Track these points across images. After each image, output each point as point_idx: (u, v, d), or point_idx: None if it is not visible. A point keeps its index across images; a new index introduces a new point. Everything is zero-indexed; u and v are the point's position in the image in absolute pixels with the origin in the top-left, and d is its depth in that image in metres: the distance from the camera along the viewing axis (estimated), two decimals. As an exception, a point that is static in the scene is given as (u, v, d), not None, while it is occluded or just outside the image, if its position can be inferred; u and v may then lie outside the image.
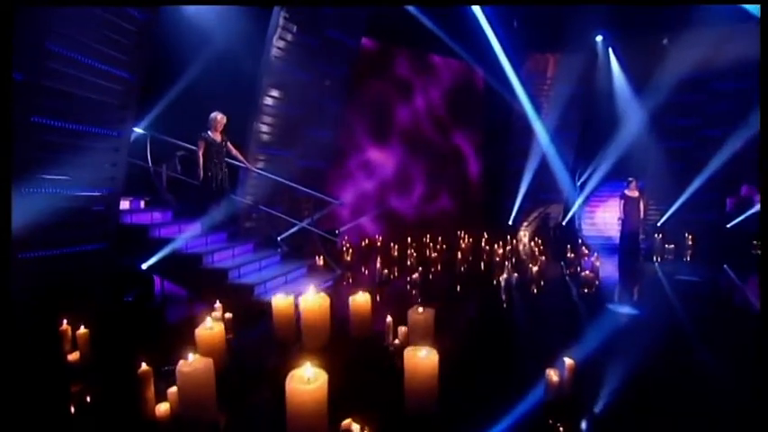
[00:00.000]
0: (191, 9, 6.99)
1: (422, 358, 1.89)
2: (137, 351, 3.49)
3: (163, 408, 2.59)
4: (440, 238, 10.00)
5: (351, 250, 8.81)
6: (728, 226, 10.18)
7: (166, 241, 5.40)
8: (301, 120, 7.61)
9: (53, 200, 4.02)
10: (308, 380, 1.57)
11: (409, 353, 1.91)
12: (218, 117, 6.04)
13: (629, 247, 8.72)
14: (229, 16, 7.07)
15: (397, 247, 8.99)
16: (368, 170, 10.57)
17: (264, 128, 7.21)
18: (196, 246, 5.71)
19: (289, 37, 7.11)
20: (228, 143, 6.21)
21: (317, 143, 8.02)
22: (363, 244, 9.69)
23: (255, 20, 6.97)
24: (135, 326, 4.68)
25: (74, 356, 3.34)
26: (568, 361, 2.77)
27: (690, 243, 9.88)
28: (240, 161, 6.50)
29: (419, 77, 11.29)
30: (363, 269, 7.89)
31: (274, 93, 7.21)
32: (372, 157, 10.64)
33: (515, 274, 6.35)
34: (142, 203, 6.43)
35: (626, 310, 5.32)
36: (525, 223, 12.27)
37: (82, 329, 3.41)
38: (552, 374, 2.76)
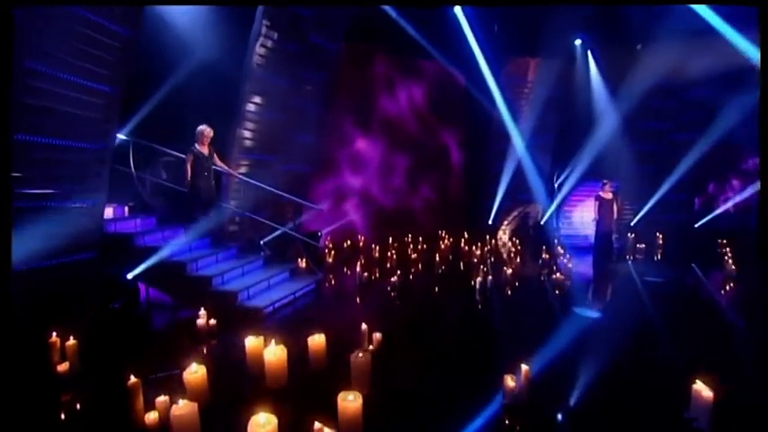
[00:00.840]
0: (173, 16, 7.04)
1: (349, 402, 2.43)
2: (125, 360, 3.68)
3: (152, 416, 2.79)
4: (420, 239, 10.25)
5: (333, 252, 9.01)
6: (696, 225, 10.68)
7: (151, 250, 5.53)
8: (284, 125, 7.74)
9: (39, 213, 4.14)
10: (262, 424, 2.21)
11: (340, 397, 2.45)
12: (206, 131, 6.14)
13: (602, 248, 9.06)
14: (211, 23, 7.14)
15: (378, 248, 9.21)
16: (350, 169, 10.74)
17: (247, 134, 7.34)
18: (180, 253, 5.83)
19: (270, 44, 7.23)
20: (215, 155, 6.34)
21: (299, 148, 8.16)
22: (346, 245, 9.88)
23: (237, 27, 7.07)
24: (122, 334, 4.82)
25: (63, 367, 3.50)
26: (524, 367, 3.03)
27: (660, 242, 10.32)
28: (226, 171, 6.63)
29: (401, 80, 11.45)
30: (346, 270, 8.09)
31: (256, 99, 7.32)
32: (354, 157, 10.82)
33: (490, 277, 6.60)
34: (126, 210, 6.51)
35: (592, 313, 5.61)
36: (505, 222, 12.59)
37: (71, 341, 3.57)
38: (509, 380, 3.03)
